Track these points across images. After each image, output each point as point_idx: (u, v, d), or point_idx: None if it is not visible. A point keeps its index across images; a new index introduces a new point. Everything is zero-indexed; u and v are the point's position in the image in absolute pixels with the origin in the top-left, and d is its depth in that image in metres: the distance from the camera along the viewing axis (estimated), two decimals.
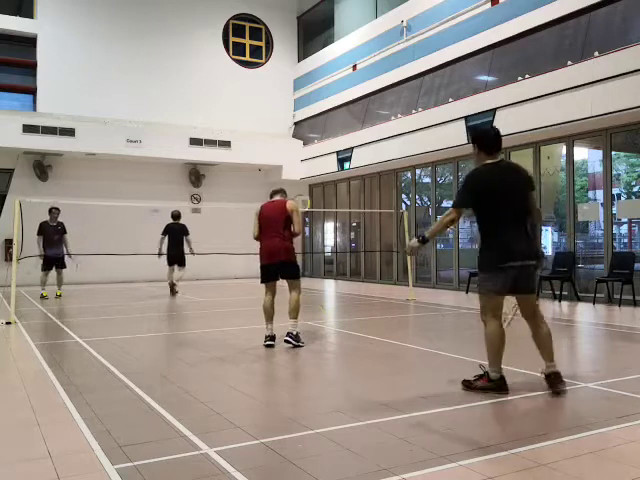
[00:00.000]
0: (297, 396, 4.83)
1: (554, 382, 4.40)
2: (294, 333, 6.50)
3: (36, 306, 10.93)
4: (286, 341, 6.46)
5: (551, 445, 3.34)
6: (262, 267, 6.66)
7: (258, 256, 6.73)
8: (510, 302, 4.69)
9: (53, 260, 12.54)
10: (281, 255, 6.51)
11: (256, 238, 6.74)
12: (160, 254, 12.48)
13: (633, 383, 4.79)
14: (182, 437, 3.52)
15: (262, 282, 6.71)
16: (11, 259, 10.09)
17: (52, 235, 12.46)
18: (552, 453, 3.22)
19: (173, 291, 12.73)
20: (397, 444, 3.38)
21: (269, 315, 6.64)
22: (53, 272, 12.64)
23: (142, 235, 16.43)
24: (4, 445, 3.49)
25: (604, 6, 10.59)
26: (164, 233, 12.62)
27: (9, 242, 15.10)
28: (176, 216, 12.89)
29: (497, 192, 4.38)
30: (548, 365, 4.47)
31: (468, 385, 4.57)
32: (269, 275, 6.63)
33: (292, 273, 6.64)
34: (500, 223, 4.40)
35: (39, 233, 12.40)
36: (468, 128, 12.80)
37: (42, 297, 12.22)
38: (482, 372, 4.55)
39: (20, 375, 5.36)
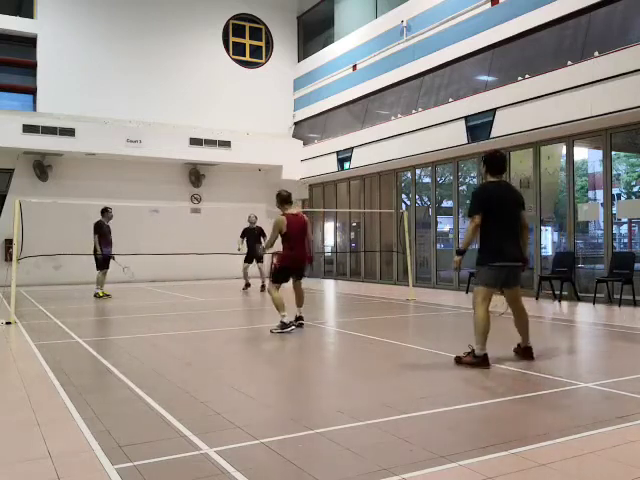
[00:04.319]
0: (297, 396, 4.83)
1: (527, 354, 5.69)
2: (302, 316, 7.90)
3: (36, 306, 10.93)
4: (301, 324, 7.80)
5: (551, 445, 3.34)
6: (286, 269, 7.72)
7: (279, 258, 7.88)
8: (502, 300, 5.80)
9: (109, 259, 12.55)
10: (305, 263, 7.92)
11: (271, 245, 7.76)
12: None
13: (633, 383, 4.79)
14: (182, 437, 3.52)
15: (278, 282, 7.71)
16: (11, 259, 10.09)
17: (108, 235, 12.52)
18: (552, 453, 3.22)
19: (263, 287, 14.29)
20: (397, 444, 3.38)
21: (283, 304, 7.57)
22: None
23: (142, 235, 16.48)
24: (4, 445, 3.49)
25: (604, 6, 10.59)
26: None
27: (9, 242, 15.10)
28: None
29: (497, 205, 5.44)
30: (525, 342, 5.73)
31: (459, 360, 5.51)
32: (287, 277, 7.83)
33: (304, 274, 8.07)
34: (496, 230, 5.44)
35: (97, 232, 12.38)
36: (468, 128, 12.82)
37: (101, 296, 12.34)
38: (469, 350, 5.47)
39: (20, 375, 5.35)
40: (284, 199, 7.80)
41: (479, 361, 5.36)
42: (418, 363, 5.93)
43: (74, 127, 16.10)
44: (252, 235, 14.17)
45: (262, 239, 14.15)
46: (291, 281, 7.96)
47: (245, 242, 14.17)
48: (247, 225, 14.31)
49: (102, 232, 12.44)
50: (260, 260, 14.27)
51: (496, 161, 5.63)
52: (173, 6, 18.51)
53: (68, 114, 16.51)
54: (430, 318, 9.53)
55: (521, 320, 5.69)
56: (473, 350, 5.41)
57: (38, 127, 15.67)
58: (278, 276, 7.75)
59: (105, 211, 12.65)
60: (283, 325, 7.44)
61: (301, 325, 7.80)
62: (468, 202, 15.06)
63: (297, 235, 7.63)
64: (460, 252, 5.62)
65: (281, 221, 7.57)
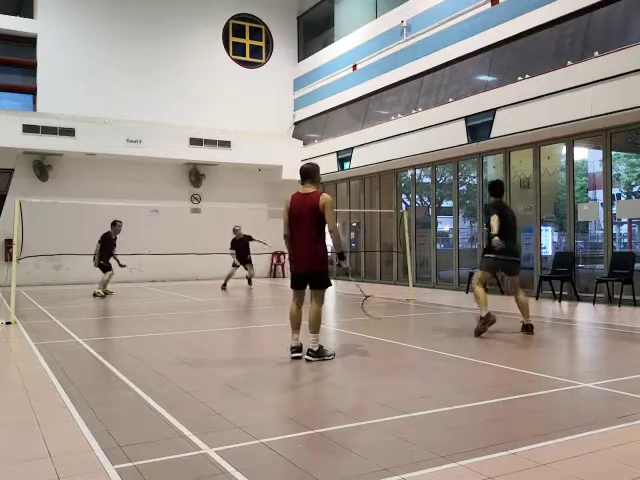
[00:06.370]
0: (297, 396, 4.83)
1: (528, 330, 7.19)
2: (315, 350, 5.79)
3: (36, 306, 10.93)
4: (307, 360, 5.76)
5: (551, 445, 3.34)
6: (292, 275, 6.05)
7: (288, 257, 6.15)
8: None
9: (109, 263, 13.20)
10: (311, 265, 5.81)
11: (285, 236, 5.98)
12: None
13: (633, 383, 4.79)
14: (182, 437, 3.52)
15: (292, 287, 6.06)
16: (11, 259, 10.09)
17: (112, 247, 13.11)
18: (552, 453, 3.22)
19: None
20: (397, 444, 3.38)
21: (296, 323, 5.95)
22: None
23: (142, 235, 16.48)
24: (4, 445, 3.49)
25: (604, 6, 10.59)
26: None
27: (9, 242, 15.10)
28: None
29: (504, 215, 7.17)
30: (526, 319, 7.24)
31: (476, 332, 6.96)
32: (299, 284, 5.97)
33: (320, 284, 5.90)
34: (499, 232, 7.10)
35: (102, 242, 12.90)
36: (468, 128, 12.82)
37: (103, 296, 12.83)
38: (481, 316, 6.97)
39: (20, 375, 5.36)
40: (303, 174, 6.07)
41: (486, 319, 6.86)
42: (418, 363, 5.93)
43: (74, 127, 16.10)
44: (241, 245, 14.73)
45: (249, 242, 14.82)
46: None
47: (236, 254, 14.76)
48: (234, 236, 14.82)
49: (107, 244, 12.95)
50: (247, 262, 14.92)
51: (493, 187, 7.55)
52: (173, 6, 18.51)
53: (68, 114, 16.50)
54: (430, 318, 9.53)
55: (517, 302, 7.25)
56: (482, 317, 6.91)
57: (38, 127, 15.67)
58: (291, 281, 6.10)
59: (114, 224, 13.06)
60: (291, 348, 5.96)
61: (306, 358, 5.79)
62: (469, 202, 15.14)
63: (298, 219, 5.78)
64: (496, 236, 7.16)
65: (284, 205, 5.96)
